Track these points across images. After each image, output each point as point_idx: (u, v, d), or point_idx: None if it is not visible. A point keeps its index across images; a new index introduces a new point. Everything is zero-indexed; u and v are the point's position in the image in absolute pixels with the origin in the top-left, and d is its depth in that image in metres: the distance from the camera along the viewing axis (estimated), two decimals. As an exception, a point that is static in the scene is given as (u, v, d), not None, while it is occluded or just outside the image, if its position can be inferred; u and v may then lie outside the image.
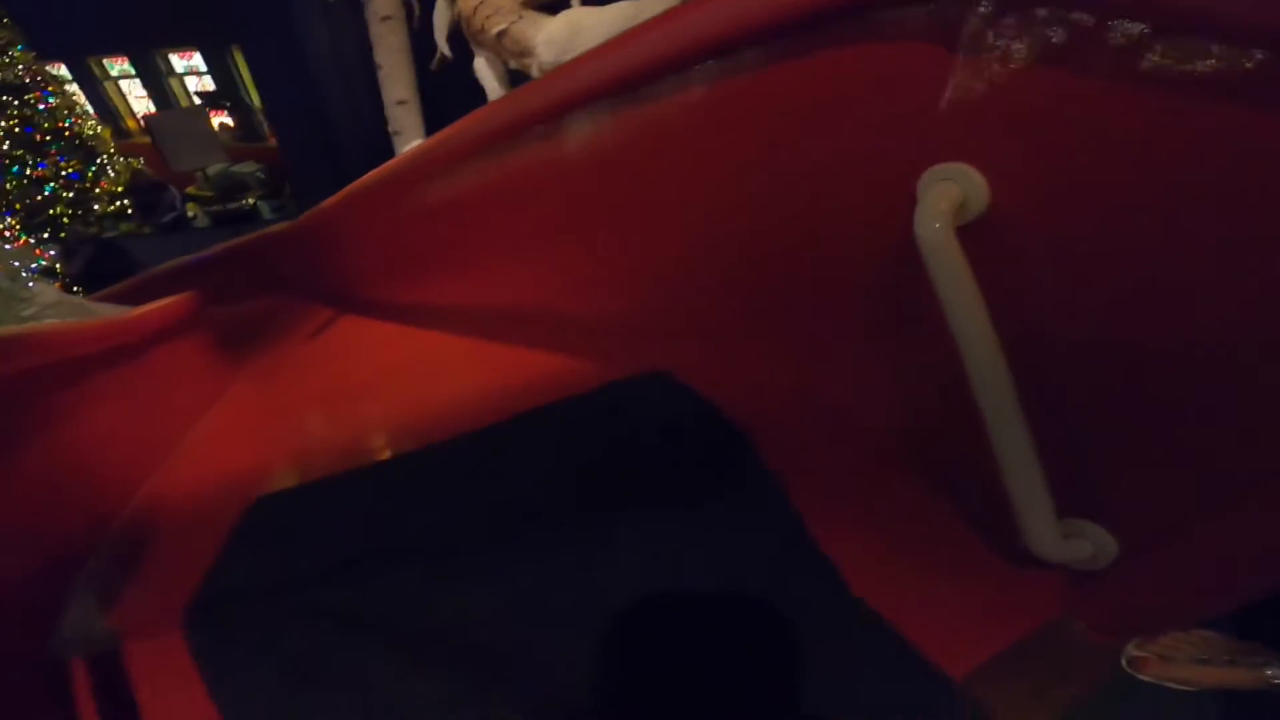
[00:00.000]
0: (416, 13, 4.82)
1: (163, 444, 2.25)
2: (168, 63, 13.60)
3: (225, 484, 1.83)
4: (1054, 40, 0.72)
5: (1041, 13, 0.73)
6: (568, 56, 2.96)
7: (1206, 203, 0.68)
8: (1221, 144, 0.65)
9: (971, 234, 0.82)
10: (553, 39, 3.10)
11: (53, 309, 3.67)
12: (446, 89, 5.12)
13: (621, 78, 1.29)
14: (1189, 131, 0.66)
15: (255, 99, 12.85)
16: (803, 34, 0.95)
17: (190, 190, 11.04)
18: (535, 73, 3.30)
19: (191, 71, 13.75)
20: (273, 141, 11.92)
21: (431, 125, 5.08)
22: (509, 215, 2.12)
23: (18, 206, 9.43)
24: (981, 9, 0.77)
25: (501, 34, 3.40)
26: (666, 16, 1.16)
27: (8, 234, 8.93)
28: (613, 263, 1.66)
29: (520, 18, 3.32)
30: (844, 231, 1.05)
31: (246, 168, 10.99)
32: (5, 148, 9.63)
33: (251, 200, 10.60)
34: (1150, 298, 0.75)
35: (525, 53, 3.28)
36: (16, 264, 3.72)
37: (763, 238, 1.20)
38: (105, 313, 3.38)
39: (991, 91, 0.78)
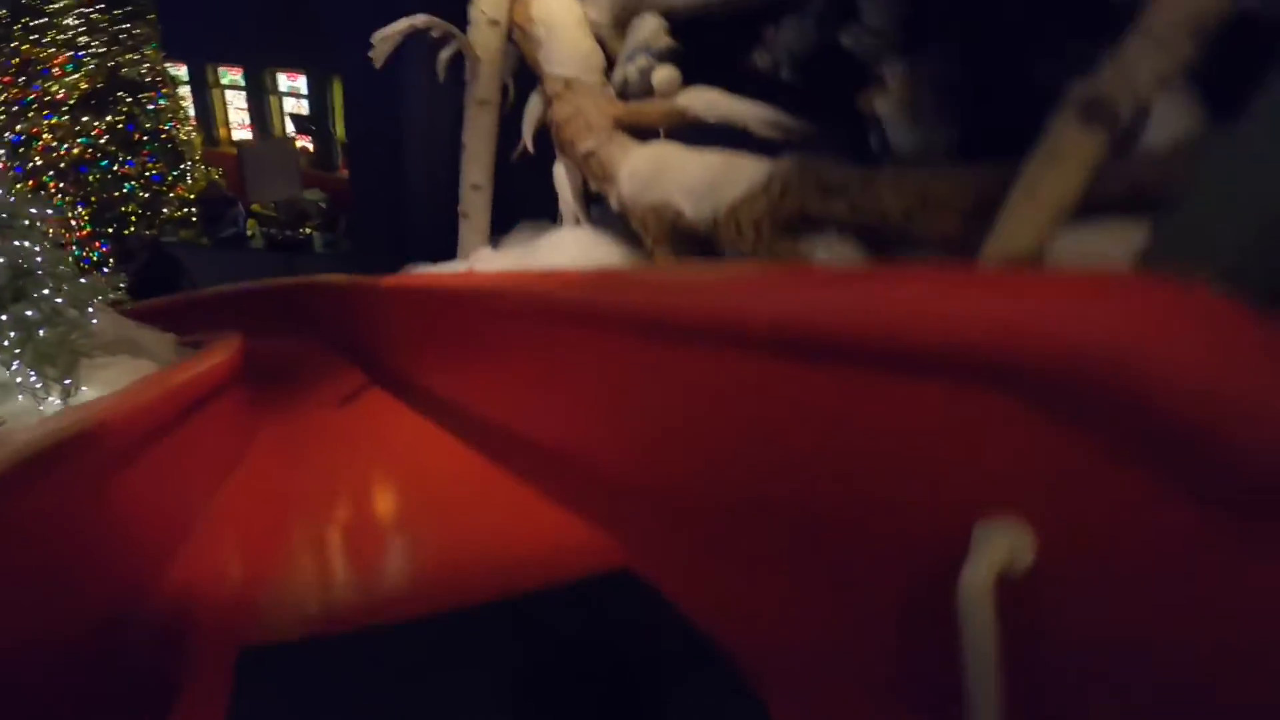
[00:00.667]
0: (510, 99, 4.94)
1: (181, 523, 2.14)
2: (274, 80, 14.30)
3: (222, 610, 1.73)
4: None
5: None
6: (648, 196, 2.93)
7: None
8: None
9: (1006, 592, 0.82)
10: (636, 173, 3.08)
11: (104, 350, 3.70)
12: (521, 181, 5.22)
13: (736, 327, 1.30)
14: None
15: (340, 131, 13.36)
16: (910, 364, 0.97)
17: (255, 208, 11.36)
18: (613, 202, 3.27)
19: (292, 93, 14.43)
20: (343, 173, 12.34)
21: (498, 212, 5.14)
22: (563, 369, 2.14)
23: (93, 200, 9.85)
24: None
25: (589, 154, 3.41)
26: (797, 292, 1.24)
27: (74, 223, 9.36)
28: (649, 453, 1.70)
29: (610, 140, 3.32)
30: (876, 539, 1.07)
31: (313, 195, 11.36)
32: (103, 141, 10.18)
33: (309, 229, 10.85)
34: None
35: (608, 179, 3.27)
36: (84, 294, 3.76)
37: (800, 508, 1.23)
38: (149, 343, 3.43)
39: (1060, 458, 0.80)
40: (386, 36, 4.16)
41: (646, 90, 3.35)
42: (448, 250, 5.80)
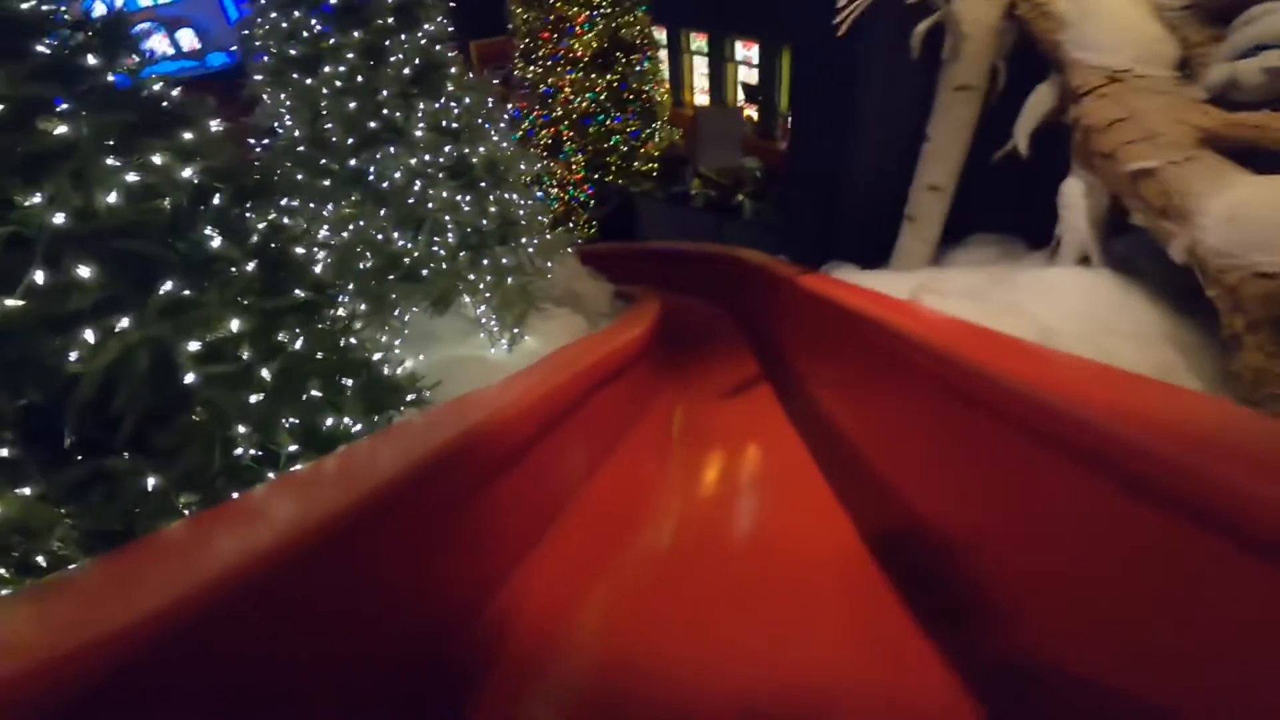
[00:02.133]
0: (1000, 85, 3.95)
1: (546, 515, 2.08)
2: (733, 48, 14.99)
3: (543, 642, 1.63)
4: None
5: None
6: (1260, 257, 1.85)
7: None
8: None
9: None
10: (1243, 218, 1.99)
11: (553, 302, 4.04)
12: (988, 190, 4.19)
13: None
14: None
15: (784, 102, 13.37)
16: None
17: (701, 170, 12.14)
18: (1177, 249, 2.23)
19: (745, 62, 14.95)
20: (781, 146, 12.35)
21: (952, 222, 4.23)
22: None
23: (590, 149, 11.64)
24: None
25: (1143, 173, 2.38)
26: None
27: (574, 167, 11.25)
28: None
29: (1190, 159, 2.24)
30: None
31: (750, 163, 11.65)
32: (603, 98, 11.85)
33: (742, 196, 11.17)
34: None
35: (1175, 214, 2.23)
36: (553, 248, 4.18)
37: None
38: (590, 296, 3.62)
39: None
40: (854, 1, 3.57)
41: (1275, 98, 2.17)
42: (878, 250, 5.11)
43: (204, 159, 1.72)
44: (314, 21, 3.48)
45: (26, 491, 1.42)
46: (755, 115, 13.95)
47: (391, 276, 3.81)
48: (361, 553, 1.19)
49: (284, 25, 3.46)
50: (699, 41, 15.69)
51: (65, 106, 1.55)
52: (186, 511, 1.54)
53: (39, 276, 1.41)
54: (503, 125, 4.10)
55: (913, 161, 4.39)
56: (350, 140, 3.45)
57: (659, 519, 2.45)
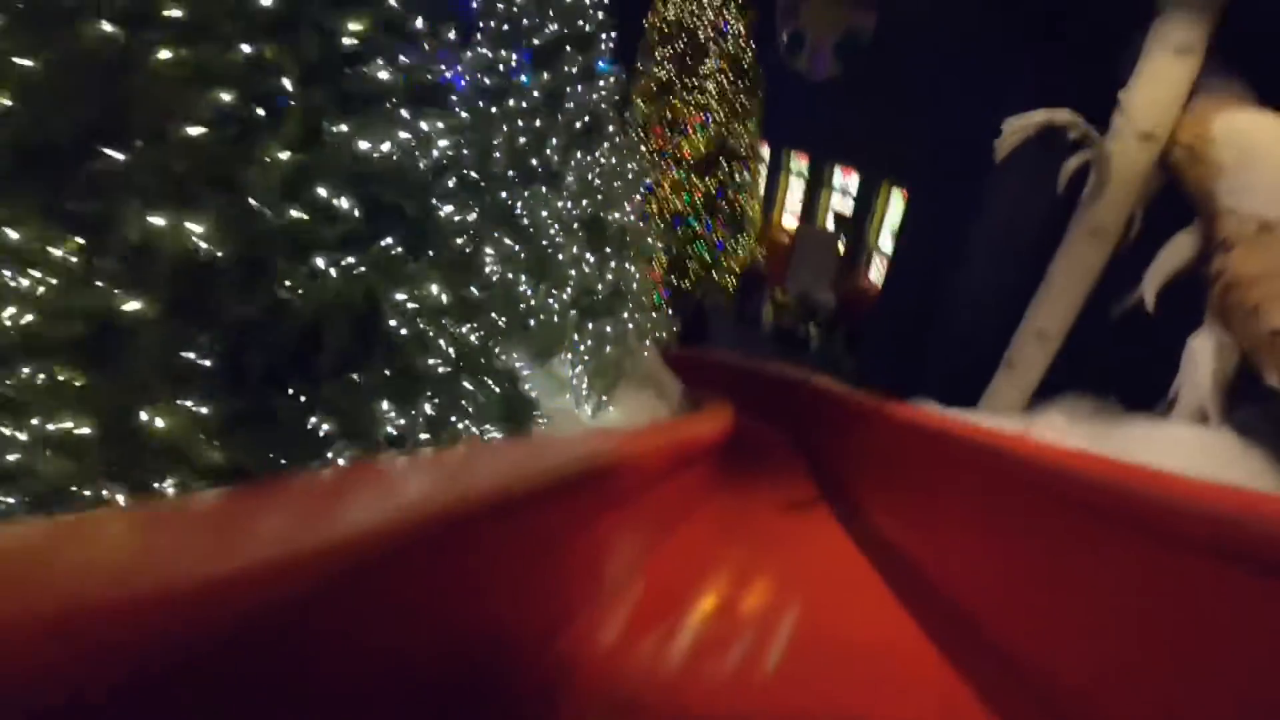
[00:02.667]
0: (1134, 233, 3.93)
1: (605, 576, 2.03)
2: (832, 174, 15.33)
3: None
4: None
5: None
6: None
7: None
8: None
9: None
10: None
11: (638, 382, 4.10)
12: (1102, 340, 4.10)
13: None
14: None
15: (874, 238, 13.42)
16: None
17: (776, 293, 12.17)
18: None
19: (842, 190, 15.30)
20: (863, 283, 12.32)
21: (1054, 372, 4.14)
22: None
23: (674, 249, 11.82)
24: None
25: (1286, 334, 2.34)
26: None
27: (653, 265, 11.37)
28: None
29: None
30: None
31: (827, 295, 11.65)
32: (699, 202, 12.18)
33: (812, 326, 11.15)
34: None
35: None
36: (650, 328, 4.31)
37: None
38: (667, 387, 3.65)
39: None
40: (1020, 127, 3.66)
41: None
42: (964, 393, 4.95)
43: (454, 135, 1.93)
44: (514, 58, 3.86)
45: (190, 405, 1.51)
46: (842, 249, 14.02)
47: (503, 319, 3.98)
48: (478, 548, 1.19)
49: (487, 54, 3.85)
50: (800, 163, 15.91)
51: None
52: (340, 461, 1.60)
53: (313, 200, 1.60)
54: (638, 198, 4.35)
55: (1016, 306, 4.34)
56: (511, 174, 3.73)
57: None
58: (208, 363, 1.55)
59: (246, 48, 1.49)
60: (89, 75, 1.45)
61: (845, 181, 15.48)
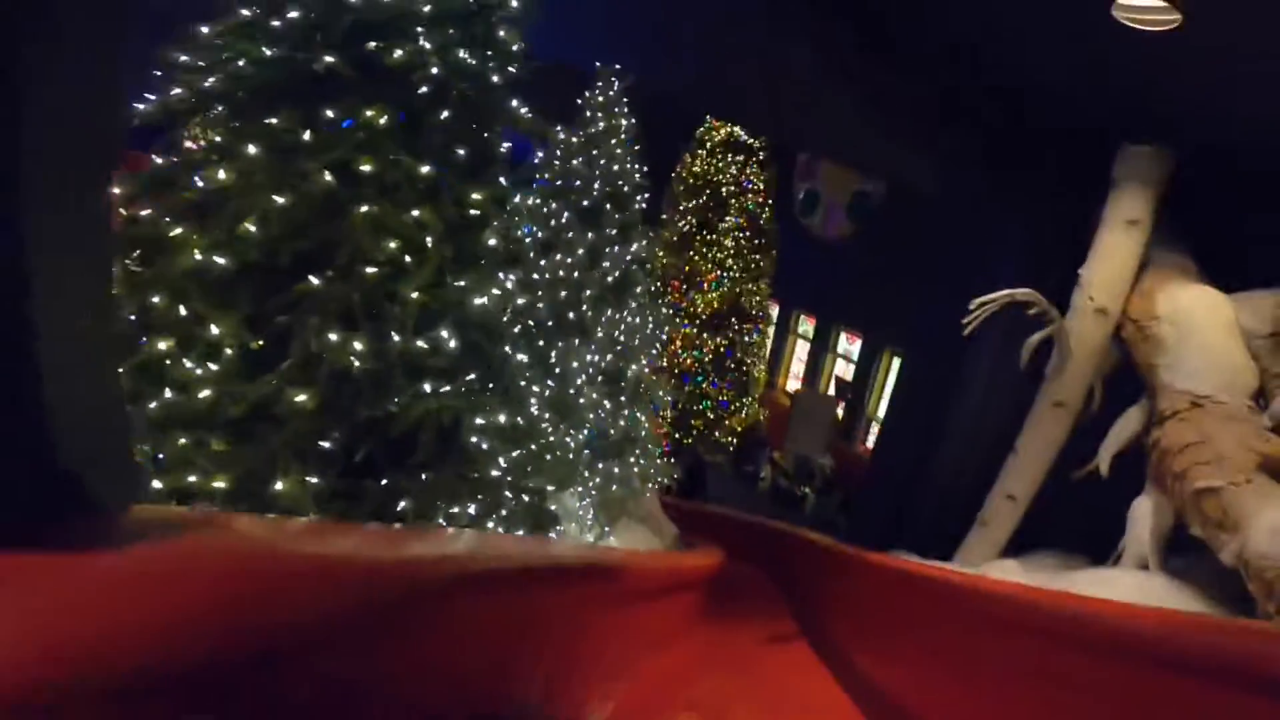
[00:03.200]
0: (1096, 405, 4.33)
1: (585, 671, 2.22)
2: (837, 339, 15.51)
3: None
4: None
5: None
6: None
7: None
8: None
9: None
10: None
11: (638, 520, 4.46)
12: (1063, 501, 4.42)
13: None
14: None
15: (874, 405, 13.49)
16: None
17: (776, 455, 12.11)
18: (1227, 554, 2.53)
19: (845, 356, 15.60)
20: (860, 450, 12.37)
21: (1024, 529, 4.45)
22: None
23: (680, 405, 11.32)
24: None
25: (1205, 492, 2.75)
26: None
27: (647, 435, 11.23)
28: None
29: (1248, 482, 2.62)
30: None
31: (824, 460, 11.62)
32: (707, 359, 12.12)
33: (809, 489, 11.21)
34: None
35: (1227, 526, 2.57)
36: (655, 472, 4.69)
37: None
38: (664, 529, 4.00)
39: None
40: (985, 302, 4.09)
41: None
42: (942, 548, 5.18)
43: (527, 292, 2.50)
44: (565, 214, 4.44)
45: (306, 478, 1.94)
46: (841, 414, 14.02)
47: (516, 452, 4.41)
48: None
49: (540, 205, 4.42)
50: (807, 325, 15.50)
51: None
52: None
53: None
54: (654, 351, 4.90)
55: (993, 468, 4.71)
56: (550, 323, 4.29)
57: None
58: (328, 445, 2.02)
59: (415, 212, 2.09)
60: (314, 215, 2.04)
61: (849, 348, 15.34)
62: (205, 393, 1.95)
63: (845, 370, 15.08)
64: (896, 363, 12.38)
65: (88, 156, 0.95)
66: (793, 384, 15.68)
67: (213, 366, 1.99)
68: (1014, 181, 5.41)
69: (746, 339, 12.46)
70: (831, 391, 14.50)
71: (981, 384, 5.55)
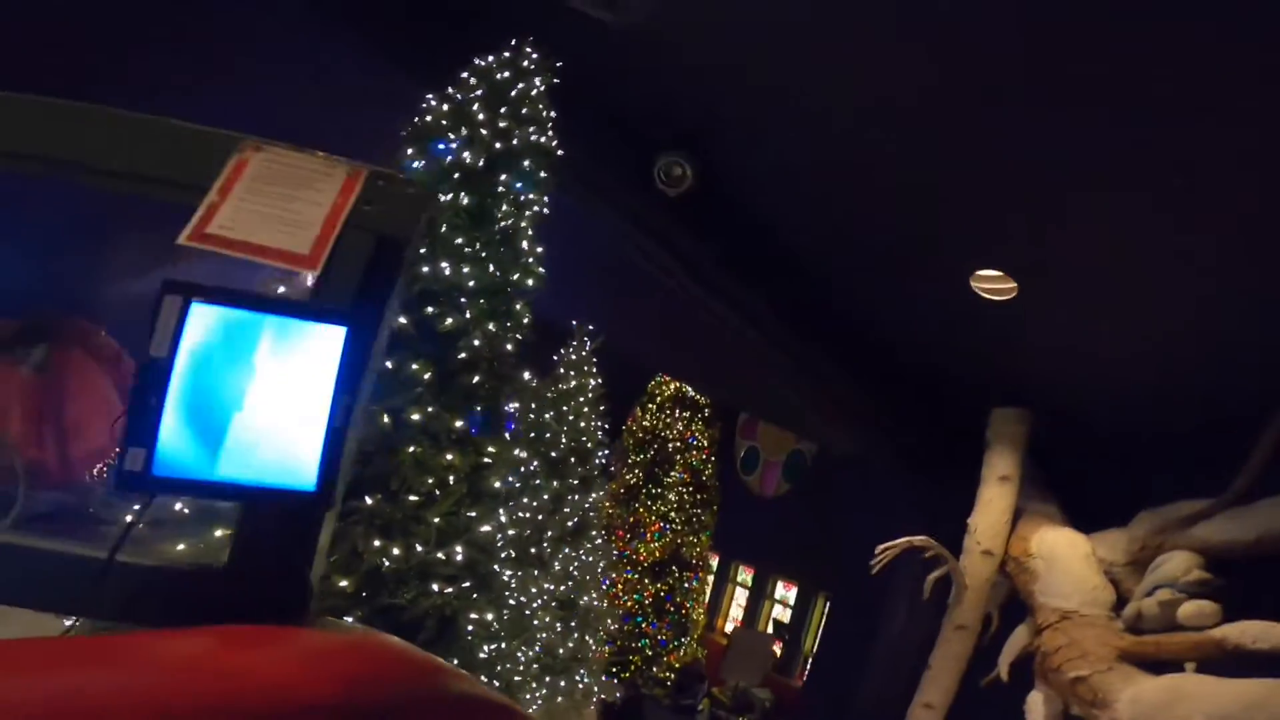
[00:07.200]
0: (994, 627, 4.96)
1: None
2: (774, 587, 15.98)
3: None
4: None
5: None
6: (1157, 720, 2.69)
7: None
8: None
9: None
10: (1141, 700, 2.90)
11: None
12: (973, 704, 4.83)
13: None
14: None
15: (810, 643, 13.70)
16: None
17: (714, 690, 12.07)
18: (1102, 727, 3.00)
19: (782, 601, 15.93)
20: (797, 684, 12.36)
21: None
22: None
23: (619, 644, 11.24)
24: None
25: (1078, 680, 3.30)
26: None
27: (593, 657, 11.16)
28: None
29: (1110, 669, 3.20)
30: None
31: (762, 693, 11.60)
32: (647, 603, 12.18)
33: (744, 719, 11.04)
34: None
35: (1099, 704, 3.09)
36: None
37: None
38: None
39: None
40: (887, 548, 4.85)
41: (1169, 624, 3.27)
42: None
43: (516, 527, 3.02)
44: (534, 464, 4.91)
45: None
46: (779, 651, 14.21)
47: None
48: None
49: (520, 456, 4.89)
50: (745, 574, 16.04)
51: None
52: None
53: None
54: (604, 585, 5.29)
55: (913, 688, 5.12)
56: (513, 554, 4.67)
57: None
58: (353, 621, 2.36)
59: (449, 456, 2.68)
60: (375, 448, 2.58)
61: (786, 594, 15.82)
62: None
63: (783, 614, 15.44)
64: (828, 604, 12.91)
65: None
66: (730, 626, 15.84)
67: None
68: (913, 446, 6.44)
69: (686, 585, 12.77)
70: (770, 631, 14.71)
71: (899, 619, 6.18)
